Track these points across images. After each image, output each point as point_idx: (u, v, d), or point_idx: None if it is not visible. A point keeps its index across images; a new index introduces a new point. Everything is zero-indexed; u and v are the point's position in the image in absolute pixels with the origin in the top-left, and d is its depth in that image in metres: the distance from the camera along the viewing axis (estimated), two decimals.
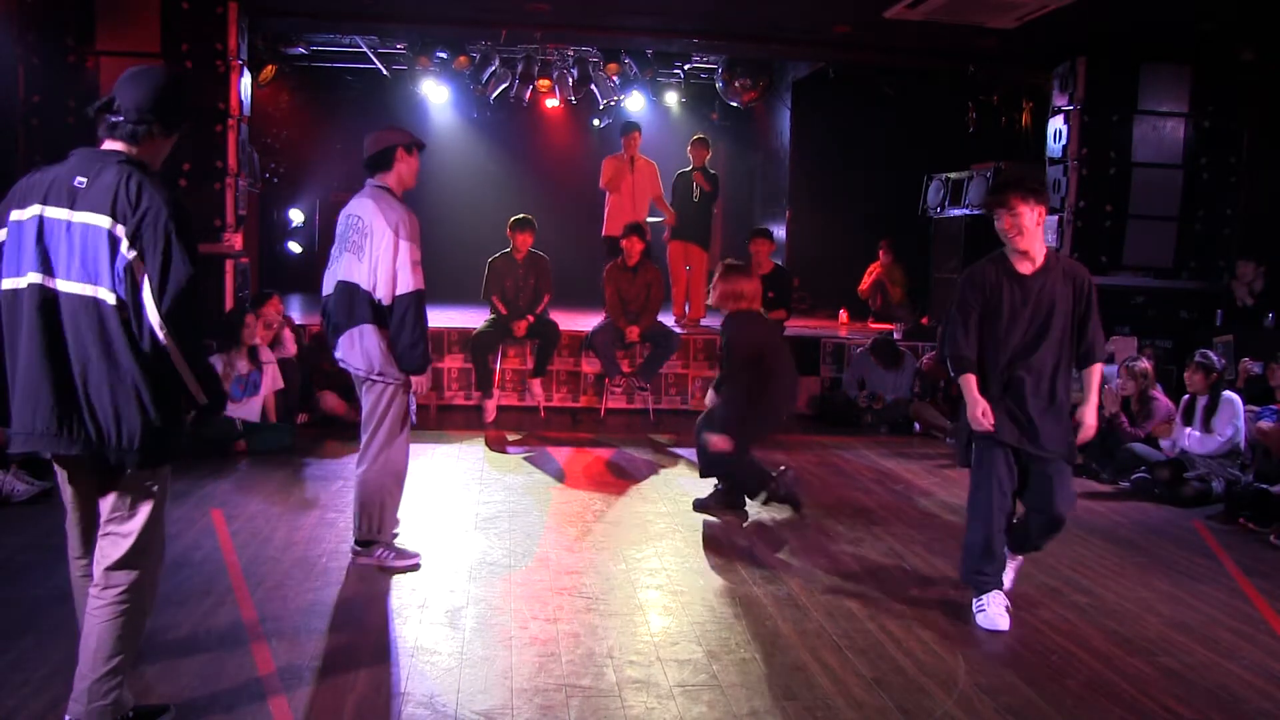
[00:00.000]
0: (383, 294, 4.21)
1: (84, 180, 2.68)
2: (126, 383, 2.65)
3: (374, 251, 4.20)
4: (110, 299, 2.63)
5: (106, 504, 2.77)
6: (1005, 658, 3.70)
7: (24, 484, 5.31)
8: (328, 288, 4.42)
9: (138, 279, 2.62)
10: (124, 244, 2.62)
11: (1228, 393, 6.33)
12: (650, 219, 9.32)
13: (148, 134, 2.81)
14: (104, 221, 2.63)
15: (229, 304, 7.52)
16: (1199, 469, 6.24)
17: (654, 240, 9.33)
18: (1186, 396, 6.44)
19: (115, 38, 7.27)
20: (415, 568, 4.46)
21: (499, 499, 5.69)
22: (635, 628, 3.87)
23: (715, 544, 4.99)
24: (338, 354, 4.38)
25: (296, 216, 13.29)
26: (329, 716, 3.07)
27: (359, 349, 4.28)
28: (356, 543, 4.51)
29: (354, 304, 4.24)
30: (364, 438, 4.47)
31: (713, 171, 9.94)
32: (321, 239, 13.76)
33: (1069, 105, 8.40)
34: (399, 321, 4.22)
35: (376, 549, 4.46)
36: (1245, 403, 6.46)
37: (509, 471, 6.40)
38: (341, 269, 4.31)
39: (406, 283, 4.21)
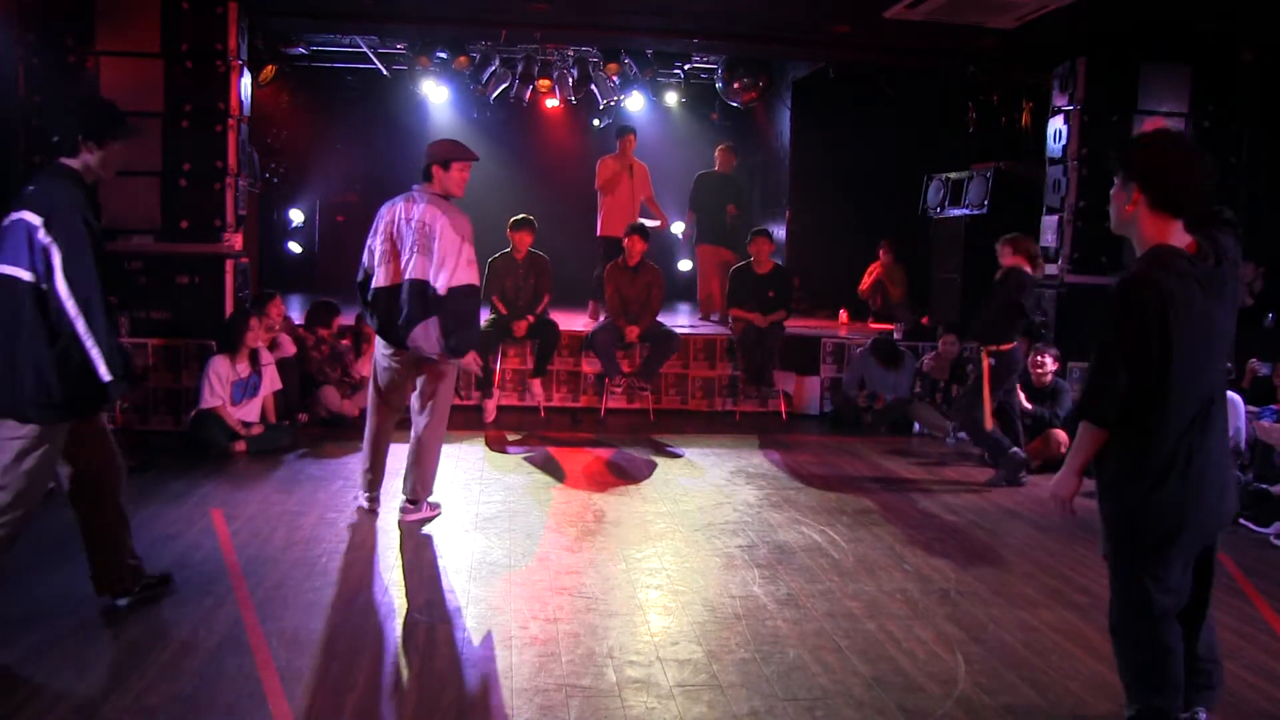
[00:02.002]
0: (441, 288, 4.83)
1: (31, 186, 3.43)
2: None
3: (442, 252, 4.85)
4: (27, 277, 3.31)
5: None
6: (1005, 658, 3.70)
7: None
8: (385, 280, 4.95)
9: (51, 261, 3.27)
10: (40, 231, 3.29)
11: (1228, 395, 6.32)
12: (644, 220, 9.42)
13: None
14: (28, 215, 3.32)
15: (229, 304, 7.52)
16: None
17: (657, 242, 9.46)
18: None
19: (115, 38, 7.26)
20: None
21: (499, 499, 5.69)
22: (635, 628, 3.87)
23: (715, 544, 4.99)
24: (413, 343, 4.90)
25: (296, 216, 13.28)
26: (329, 716, 3.07)
27: (433, 336, 4.87)
28: (408, 501, 5.21)
29: (427, 298, 4.84)
30: (422, 407, 5.17)
31: (738, 181, 10.43)
32: (322, 239, 13.76)
33: (1069, 105, 8.39)
34: (464, 310, 4.87)
35: (422, 505, 5.23)
36: (1247, 403, 6.46)
37: (509, 471, 6.40)
38: (413, 268, 4.88)
39: (469, 277, 4.90)
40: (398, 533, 5.01)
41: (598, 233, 9.70)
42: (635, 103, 12.30)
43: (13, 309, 3.31)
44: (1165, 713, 2.91)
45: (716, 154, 10.48)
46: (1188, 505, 2.82)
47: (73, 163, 3.47)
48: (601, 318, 8.74)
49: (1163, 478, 2.81)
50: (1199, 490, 2.82)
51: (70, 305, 3.28)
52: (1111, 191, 2.90)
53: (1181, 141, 2.85)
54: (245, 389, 6.77)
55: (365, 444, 5.29)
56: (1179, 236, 2.80)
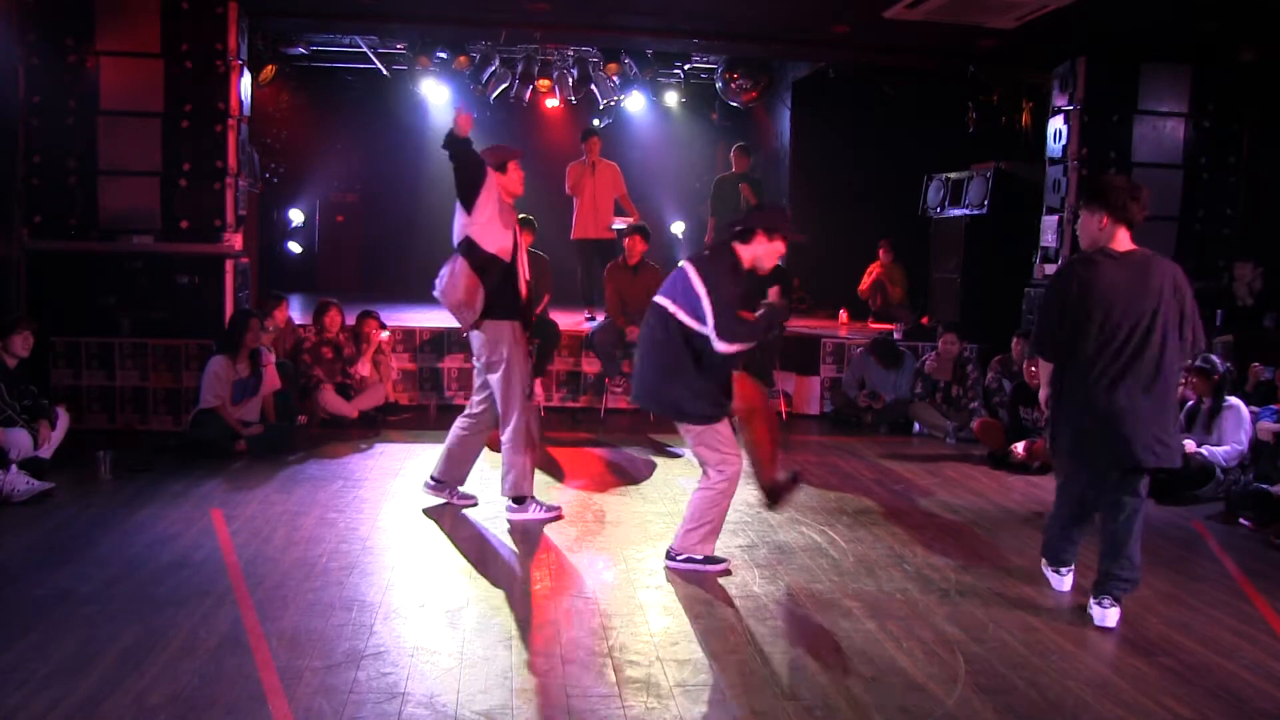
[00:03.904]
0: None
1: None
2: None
3: None
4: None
5: None
6: (1005, 658, 3.70)
7: (24, 484, 5.31)
8: None
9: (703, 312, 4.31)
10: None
11: (1233, 400, 6.30)
12: (617, 219, 9.46)
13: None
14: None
15: (229, 304, 7.52)
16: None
17: (658, 242, 9.48)
18: (1190, 402, 6.43)
19: (115, 38, 7.26)
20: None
21: (499, 499, 5.68)
22: (635, 628, 3.87)
23: (715, 544, 4.98)
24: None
25: (296, 216, 13.28)
26: (328, 716, 3.07)
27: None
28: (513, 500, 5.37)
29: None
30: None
31: (755, 177, 10.32)
32: (322, 239, 13.77)
33: (1069, 105, 8.39)
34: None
35: (528, 504, 5.33)
36: (1249, 405, 6.46)
37: None
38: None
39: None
40: (398, 533, 5.02)
41: (570, 235, 9.73)
42: (635, 103, 12.29)
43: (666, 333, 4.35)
44: (1051, 555, 4.44)
45: (731, 156, 10.50)
46: (1087, 437, 3.97)
47: (742, 249, 4.39)
48: (601, 317, 8.75)
49: (1074, 412, 4.01)
50: (1102, 428, 3.91)
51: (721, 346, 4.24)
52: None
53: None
54: (245, 389, 6.76)
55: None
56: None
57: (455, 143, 4.96)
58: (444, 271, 5.12)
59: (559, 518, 5.34)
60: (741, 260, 4.40)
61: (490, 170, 5.10)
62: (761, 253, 4.40)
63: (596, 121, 13.30)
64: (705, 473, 4.51)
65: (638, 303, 8.20)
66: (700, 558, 4.51)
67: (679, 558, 4.53)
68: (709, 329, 4.22)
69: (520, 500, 5.31)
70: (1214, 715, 3.29)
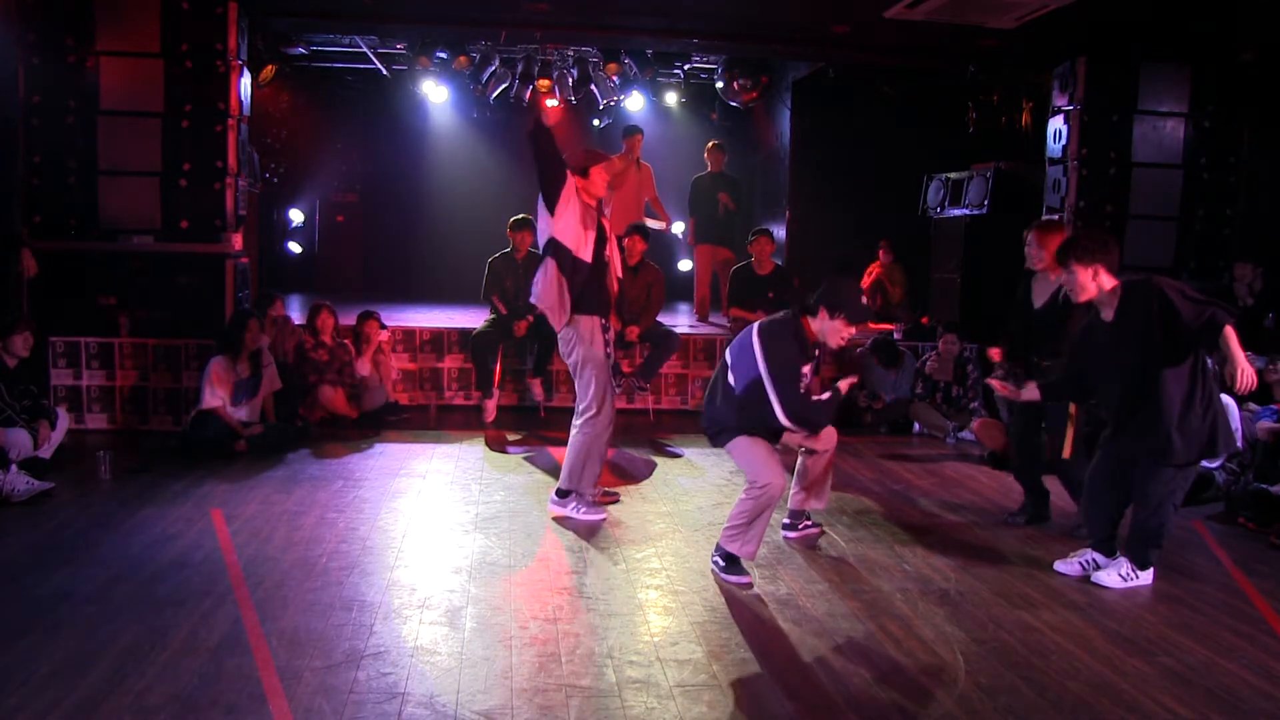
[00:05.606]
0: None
1: None
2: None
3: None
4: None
5: None
6: (1005, 658, 3.70)
7: (24, 484, 5.31)
8: None
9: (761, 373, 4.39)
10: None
11: (1224, 399, 6.30)
12: (648, 220, 9.41)
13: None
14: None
15: (229, 304, 7.52)
16: None
17: (657, 242, 9.44)
18: None
19: (115, 38, 7.27)
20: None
21: (499, 499, 5.69)
22: (635, 628, 3.87)
23: (715, 544, 4.98)
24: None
25: (296, 216, 13.27)
26: (328, 716, 3.07)
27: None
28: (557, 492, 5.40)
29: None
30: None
31: (732, 176, 10.27)
32: (322, 239, 13.76)
33: (1069, 105, 8.40)
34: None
35: (569, 500, 5.31)
36: (1244, 400, 6.45)
37: (509, 471, 6.40)
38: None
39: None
40: (398, 533, 5.02)
41: None
42: (635, 103, 12.28)
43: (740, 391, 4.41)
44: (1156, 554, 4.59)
45: (706, 155, 10.48)
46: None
47: (811, 321, 4.41)
48: None
49: (1209, 408, 4.63)
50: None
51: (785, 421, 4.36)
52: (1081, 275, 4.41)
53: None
54: (245, 389, 6.76)
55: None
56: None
57: (541, 132, 5.01)
58: (538, 277, 5.18)
59: (602, 519, 5.32)
60: (809, 333, 4.44)
61: (570, 173, 5.14)
62: (828, 328, 4.39)
63: (596, 121, 13.30)
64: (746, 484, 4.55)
65: (638, 303, 8.21)
66: (723, 562, 4.48)
67: (714, 555, 4.56)
68: (773, 401, 4.30)
69: (565, 494, 5.33)
70: (1214, 715, 3.29)
